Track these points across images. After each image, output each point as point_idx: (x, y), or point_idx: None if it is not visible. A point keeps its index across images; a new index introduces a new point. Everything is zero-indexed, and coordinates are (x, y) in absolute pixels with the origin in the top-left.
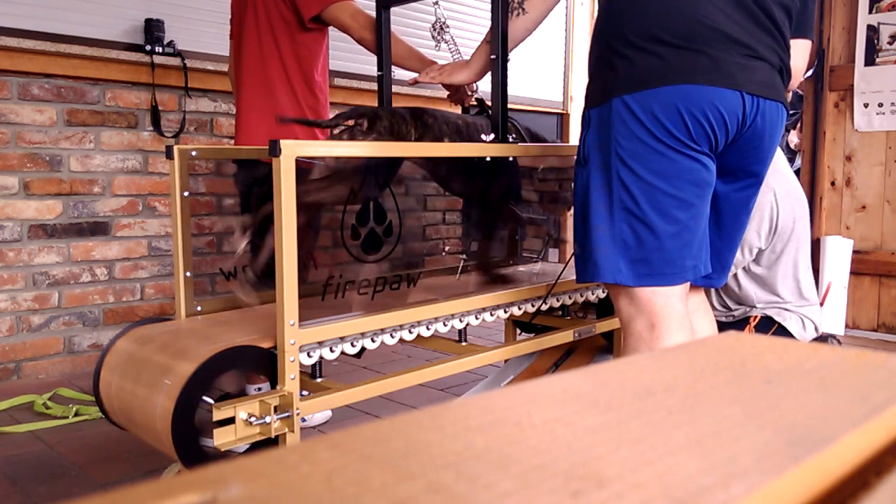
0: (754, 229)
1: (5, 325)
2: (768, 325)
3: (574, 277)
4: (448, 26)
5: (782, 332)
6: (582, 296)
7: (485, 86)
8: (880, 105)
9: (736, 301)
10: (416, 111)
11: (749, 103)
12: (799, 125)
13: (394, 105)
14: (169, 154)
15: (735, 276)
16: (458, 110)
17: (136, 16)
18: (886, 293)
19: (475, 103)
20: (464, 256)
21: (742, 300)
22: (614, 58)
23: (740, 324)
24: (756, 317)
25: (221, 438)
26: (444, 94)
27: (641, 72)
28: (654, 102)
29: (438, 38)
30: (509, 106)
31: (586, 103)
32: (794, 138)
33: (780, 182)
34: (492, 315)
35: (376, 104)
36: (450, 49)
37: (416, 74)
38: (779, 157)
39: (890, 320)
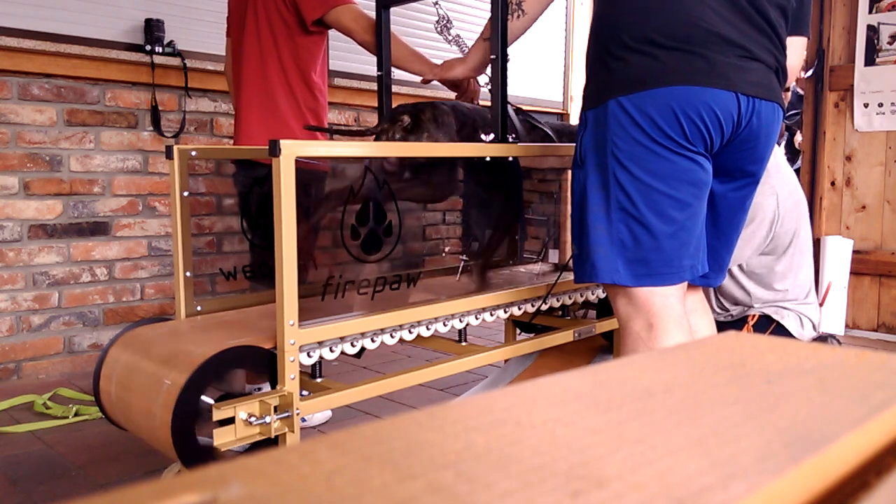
0: (753, 232)
1: (5, 325)
2: (766, 324)
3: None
4: (452, 24)
5: (781, 330)
6: (582, 296)
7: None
8: (880, 105)
9: (733, 301)
10: (453, 104)
11: (744, 104)
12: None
13: (394, 105)
14: (169, 154)
15: (733, 276)
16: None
17: (136, 16)
18: (886, 293)
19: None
20: (464, 257)
21: (739, 300)
22: (610, 60)
23: (738, 323)
24: (754, 315)
25: (221, 438)
26: (445, 93)
27: (637, 73)
28: (650, 103)
29: (443, 35)
30: (524, 107)
31: (583, 105)
32: (800, 137)
33: (783, 184)
34: (492, 315)
35: (376, 104)
36: (458, 46)
37: (417, 76)
38: (779, 156)
39: (890, 320)
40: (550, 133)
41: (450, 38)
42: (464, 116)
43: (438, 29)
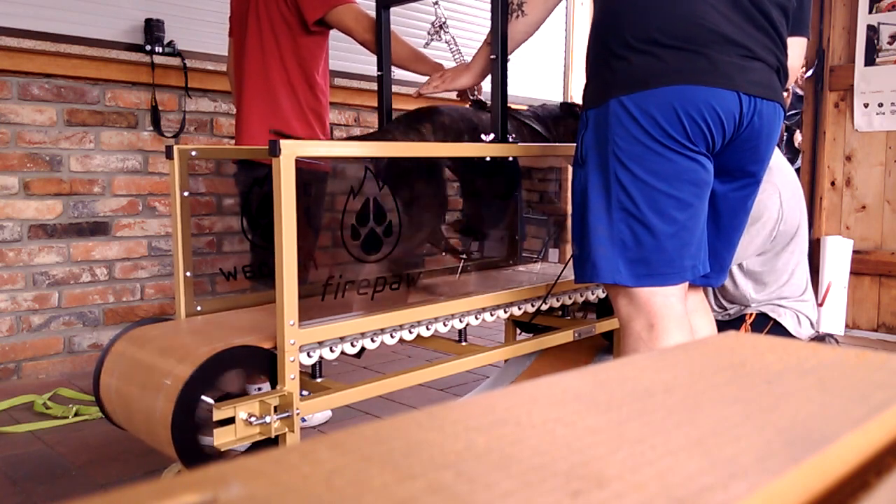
0: (758, 231)
1: (5, 325)
2: (764, 322)
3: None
4: (447, 26)
5: (778, 328)
6: (582, 296)
7: (487, 86)
8: (880, 105)
9: (731, 300)
10: (431, 113)
11: (746, 104)
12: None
13: (393, 106)
14: (169, 154)
15: (731, 274)
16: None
17: (136, 16)
18: (886, 293)
19: (471, 105)
20: (464, 256)
21: (737, 299)
22: (612, 59)
23: (736, 322)
24: (752, 314)
25: (221, 438)
26: (443, 95)
27: (639, 73)
28: (652, 103)
29: (436, 37)
30: (516, 105)
31: (584, 104)
32: (799, 137)
33: (785, 184)
34: (492, 315)
35: (376, 104)
36: (450, 49)
37: (417, 76)
38: (778, 154)
39: (890, 320)
40: (539, 129)
41: (445, 41)
42: (445, 128)
43: (433, 31)
